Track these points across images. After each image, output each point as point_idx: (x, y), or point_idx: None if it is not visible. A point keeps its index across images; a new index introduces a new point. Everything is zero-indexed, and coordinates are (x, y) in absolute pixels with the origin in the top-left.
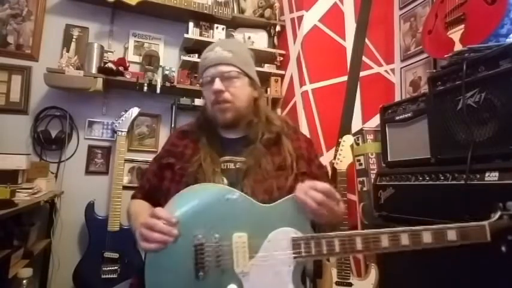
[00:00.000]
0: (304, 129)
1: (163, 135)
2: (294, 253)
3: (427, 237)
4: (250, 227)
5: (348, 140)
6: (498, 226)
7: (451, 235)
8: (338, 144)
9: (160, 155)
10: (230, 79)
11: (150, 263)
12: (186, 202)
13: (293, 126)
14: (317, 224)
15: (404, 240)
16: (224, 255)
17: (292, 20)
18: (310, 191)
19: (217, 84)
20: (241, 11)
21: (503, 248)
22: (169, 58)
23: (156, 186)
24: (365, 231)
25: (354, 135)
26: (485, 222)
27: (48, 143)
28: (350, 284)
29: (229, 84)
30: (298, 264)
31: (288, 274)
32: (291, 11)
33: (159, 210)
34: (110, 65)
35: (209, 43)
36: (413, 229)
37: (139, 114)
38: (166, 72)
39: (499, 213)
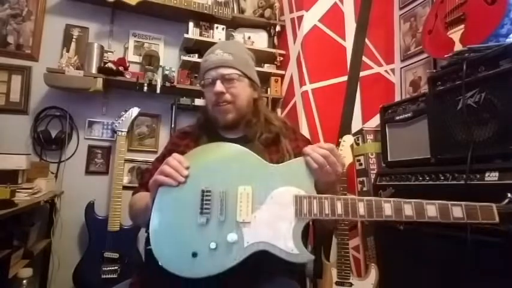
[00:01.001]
0: (304, 129)
1: (163, 135)
2: (295, 210)
3: (431, 210)
4: (256, 182)
5: (348, 140)
6: (506, 210)
7: (457, 212)
8: (338, 144)
9: (163, 154)
10: (231, 81)
11: (159, 201)
12: (200, 155)
13: (292, 127)
14: (319, 186)
15: (408, 210)
16: (228, 204)
17: (292, 20)
18: (316, 147)
19: (219, 86)
20: (241, 11)
21: None
22: (169, 58)
23: None
24: (368, 197)
25: (354, 135)
26: (493, 204)
27: (48, 143)
28: (350, 284)
29: (229, 86)
30: (299, 221)
31: (288, 230)
32: (291, 11)
33: (176, 154)
34: (110, 65)
35: (209, 43)
36: (417, 201)
37: (140, 114)
38: (166, 72)
39: (507, 200)
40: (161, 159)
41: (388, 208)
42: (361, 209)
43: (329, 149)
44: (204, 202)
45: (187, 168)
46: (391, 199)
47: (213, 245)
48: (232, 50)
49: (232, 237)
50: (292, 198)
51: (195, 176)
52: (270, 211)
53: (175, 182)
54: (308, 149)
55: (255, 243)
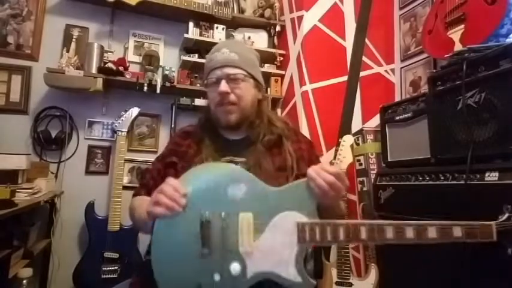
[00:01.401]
0: (304, 129)
1: (163, 135)
2: (298, 237)
3: (432, 232)
4: (257, 208)
5: (348, 140)
6: (506, 227)
7: (457, 232)
8: (338, 144)
9: (164, 154)
10: (236, 81)
11: (158, 233)
12: (197, 178)
13: (293, 128)
14: (321, 207)
15: (409, 233)
16: (229, 234)
17: (292, 20)
18: (321, 171)
19: (223, 86)
20: (241, 11)
21: (510, 251)
22: (169, 58)
23: (160, 185)
24: (370, 221)
25: (354, 135)
26: (493, 223)
27: (48, 143)
28: (350, 284)
29: (234, 86)
30: (302, 248)
31: (290, 257)
32: (291, 11)
33: (170, 179)
34: (110, 65)
35: (209, 43)
36: (419, 223)
37: (139, 114)
38: (166, 72)
39: (506, 215)
40: (161, 159)
41: (389, 232)
42: (363, 233)
43: (335, 174)
44: (205, 234)
45: (184, 195)
46: (393, 222)
47: (217, 277)
48: (238, 50)
49: (235, 268)
50: (295, 225)
51: (193, 203)
52: (272, 238)
53: (172, 213)
54: (313, 172)
55: (258, 273)
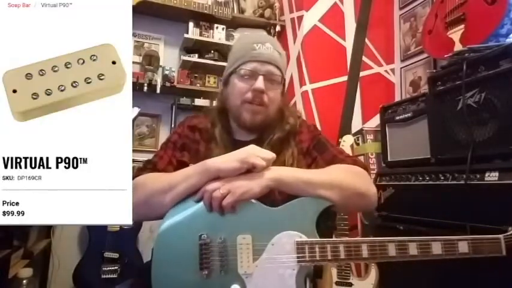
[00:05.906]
0: None
1: (163, 135)
2: (298, 257)
3: (436, 248)
4: (255, 229)
5: (348, 140)
6: None
7: (463, 247)
8: (338, 144)
9: (175, 142)
10: (273, 83)
11: (158, 252)
12: (193, 203)
13: (302, 121)
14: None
15: (413, 250)
16: (228, 256)
17: (292, 20)
18: (204, 191)
19: (261, 83)
20: (241, 11)
21: None
22: (169, 58)
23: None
24: (372, 238)
25: (354, 135)
26: (501, 236)
27: None
28: (350, 284)
29: (269, 88)
30: (302, 268)
31: (290, 277)
32: (291, 11)
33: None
34: None
35: (209, 43)
36: (423, 239)
37: (140, 114)
38: (166, 72)
39: None
40: (173, 148)
41: (392, 249)
42: (365, 251)
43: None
44: (203, 256)
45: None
46: (395, 239)
47: None
48: (280, 50)
49: None
50: (294, 246)
51: (191, 229)
52: (271, 259)
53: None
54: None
55: None
